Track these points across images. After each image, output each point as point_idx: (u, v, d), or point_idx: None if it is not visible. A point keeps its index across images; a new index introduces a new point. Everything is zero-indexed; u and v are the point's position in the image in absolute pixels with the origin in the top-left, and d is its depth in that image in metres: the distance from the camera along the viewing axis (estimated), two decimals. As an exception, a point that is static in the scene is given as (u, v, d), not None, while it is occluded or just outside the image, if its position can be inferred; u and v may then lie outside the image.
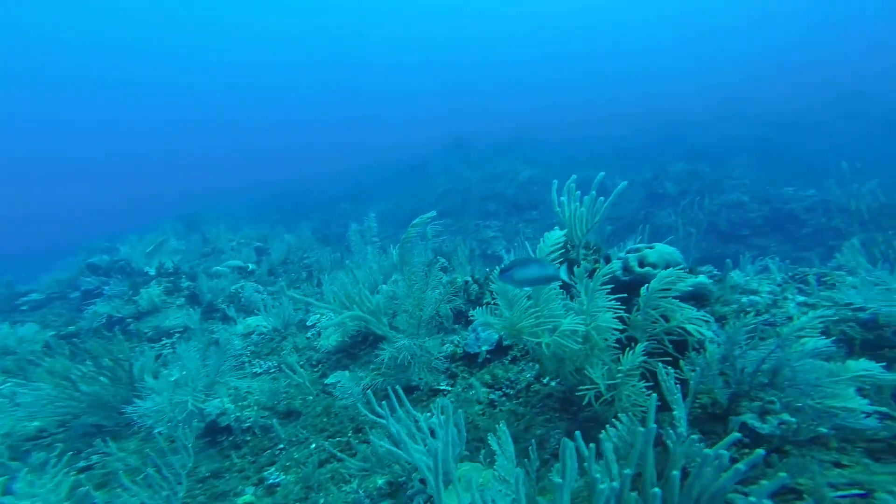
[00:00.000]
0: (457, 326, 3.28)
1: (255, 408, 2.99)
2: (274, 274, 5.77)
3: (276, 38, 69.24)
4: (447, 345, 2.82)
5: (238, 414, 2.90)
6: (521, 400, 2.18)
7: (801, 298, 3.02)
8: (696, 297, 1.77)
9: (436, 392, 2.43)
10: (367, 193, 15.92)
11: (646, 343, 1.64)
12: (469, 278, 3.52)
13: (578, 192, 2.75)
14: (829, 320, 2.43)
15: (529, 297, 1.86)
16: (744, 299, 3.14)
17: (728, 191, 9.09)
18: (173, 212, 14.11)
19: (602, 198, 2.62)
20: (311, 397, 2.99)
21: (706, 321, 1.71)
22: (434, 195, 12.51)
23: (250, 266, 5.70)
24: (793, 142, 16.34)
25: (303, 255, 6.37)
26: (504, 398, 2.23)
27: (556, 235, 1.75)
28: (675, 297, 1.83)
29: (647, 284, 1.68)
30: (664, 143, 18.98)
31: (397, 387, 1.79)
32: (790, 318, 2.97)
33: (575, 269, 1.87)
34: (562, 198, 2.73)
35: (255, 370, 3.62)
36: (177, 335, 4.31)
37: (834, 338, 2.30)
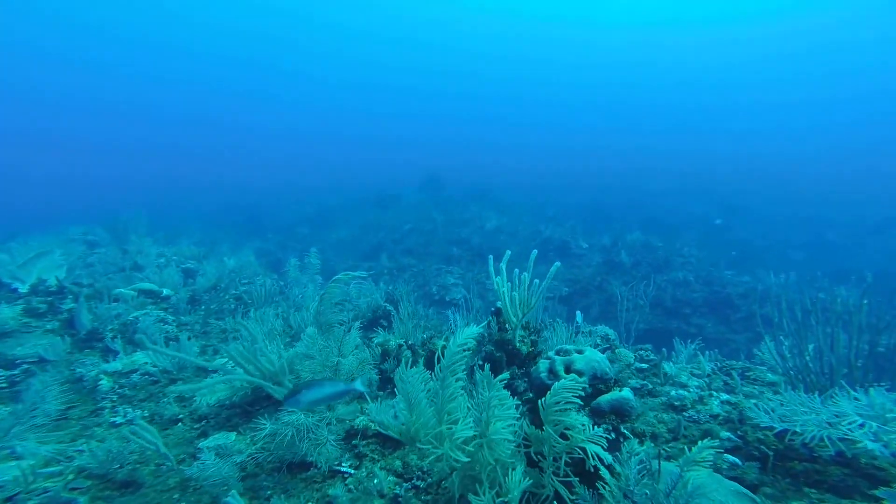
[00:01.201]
0: (381, 394, 3.06)
1: (73, 476, 2.29)
2: (197, 302, 5.23)
3: (283, 42, 69.88)
4: (362, 416, 2.59)
5: (35, 486, 2.12)
6: (429, 497, 1.99)
7: (725, 396, 3.10)
8: (617, 412, 1.73)
9: (335, 474, 2.17)
10: (331, 218, 15.58)
11: (551, 462, 1.54)
12: (403, 342, 3.35)
13: (517, 271, 2.74)
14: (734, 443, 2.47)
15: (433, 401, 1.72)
16: (672, 392, 3.19)
17: (676, 268, 9.66)
18: (108, 210, 13.04)
19: (537, 280, 2.61)
20: (168, 464, 2.38)
21: (612, 439, 1.64)
22: (400, 231, 12.44)
23: (165, 291, 5.10)
24: (736, 223, 18.02)
25: (240, 281, 5.89)
26: (412, 492, 2.02)
27: (469, 332, 1.67)
28: (595, 409, 1.78)
29: (542, 398, 1.60)
30: (628, 206, 20.35)
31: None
32: (713, 417, 3.02)
33: (478, 372, 1.77)
34: (497, 278, 2.69)
35: (114, 419, 2.97)
36: (25, 366, 3.52)
37: (749, 449, 2.34)
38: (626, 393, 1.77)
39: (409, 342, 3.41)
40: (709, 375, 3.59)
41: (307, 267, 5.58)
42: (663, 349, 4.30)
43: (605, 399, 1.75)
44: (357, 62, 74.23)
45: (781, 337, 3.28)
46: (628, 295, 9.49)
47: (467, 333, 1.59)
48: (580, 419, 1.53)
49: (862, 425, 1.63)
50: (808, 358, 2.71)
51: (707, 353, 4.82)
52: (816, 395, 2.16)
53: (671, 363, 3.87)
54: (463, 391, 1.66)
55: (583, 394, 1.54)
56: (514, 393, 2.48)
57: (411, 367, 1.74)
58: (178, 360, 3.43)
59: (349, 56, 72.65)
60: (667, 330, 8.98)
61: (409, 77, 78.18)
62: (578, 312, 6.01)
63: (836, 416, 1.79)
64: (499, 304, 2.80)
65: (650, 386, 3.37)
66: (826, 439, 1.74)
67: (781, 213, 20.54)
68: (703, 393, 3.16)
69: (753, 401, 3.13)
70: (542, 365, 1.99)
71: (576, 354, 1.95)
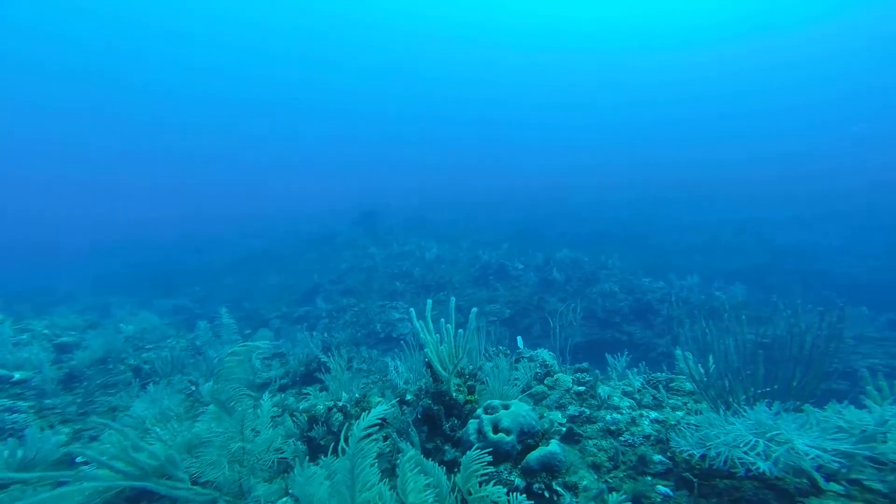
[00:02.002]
0: (310, 465, 2.73)
1: None
2: (76, 379, 4.34)
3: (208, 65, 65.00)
4: (286, 497, 2.27)
5: None
6: None
7: (654, 414, 3.27)
8: (548, 469, 1.69)
9: None
10: (260, 264, 14.51)
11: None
12: (333, 403, 3.07)
13: (443, 321, 2.66)
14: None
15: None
16: (608, 417, 3.30)
17: (602, 280, 10.39)
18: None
19: (461, 330, 2.55)
20: None
21: (547, 497, 1.58)
22: (336, 271, 11.94)
23: (18, 374, 4.14)
24: (649, 232, 20.14)
25: (143, 348, 5.08)
26: None
27: (376, 412, 1.53)
28: (526, 469, 1.71)
29: (457, 470, 1.51)
30: (557, 221, 21.80)
31: None
32: (646, 437, 3.16)
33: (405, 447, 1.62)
34: (423, 333, 2.60)
35: None
36: None
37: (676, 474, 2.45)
38: (554, 447, 1.74)
39: (340, 403, 3.13)
40: (639, 391, 3.79)
41: (226, 327, 5.00)
42: (596, 371, 4.47)
43: (534, 457, 1.70)
44: (271, 78, 71.25)
45: (688, 353, 3.57)
46: (564, 310, 10.01)
47: (374, 413, 1.45)
48: (498, 491, 1.45)
49: (754, 446, 1.77)
50: (710, 369, 2.95)
51: (638, 365, 5.15)
52: (722, 411, 2.33)
53: (605, 384, 4.03)
54: (383, 472, 1.50)
55: (491, 459, 1.46)
56: (442, 462, 2.33)
57: (346, 430, 1.53)
58: (35, 452, 2.74)
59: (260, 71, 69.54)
60: (602, 340, 9.53)
61: (336, 96, 77.21)
62: (519, 338, 6.12)
63: (735, 437, 1.93)
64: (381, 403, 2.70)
65: (588, 412, 3.44)
66: (735, 460, 1.86)
67: (689, 218, 23.40)
68: (634, 413, 3.30)
69: (679, 413, 3.35)
70: (471, 426, 1.90)
71: (503, 411, 1.90)
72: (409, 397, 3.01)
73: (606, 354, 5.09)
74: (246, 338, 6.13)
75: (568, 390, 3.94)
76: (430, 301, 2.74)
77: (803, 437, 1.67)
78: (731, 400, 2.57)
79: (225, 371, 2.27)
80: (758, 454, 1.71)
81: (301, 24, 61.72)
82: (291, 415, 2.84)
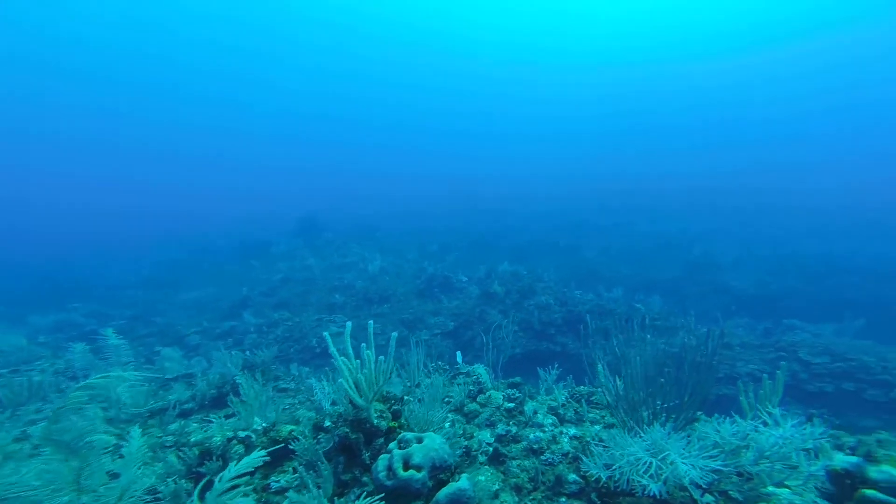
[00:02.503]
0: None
1: None
2: None
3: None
4: None
5: None
6: None
7: (573, 431, 3.46)
8: (455, 508, 1.68)
9: None
10: (180, 275, 13.14)
11: None
12: (233, 433, 2.81)
13: (364, 345, 2.58)
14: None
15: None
16: (531, 436, 3.42)
17: (539, 293, 10.89)
18: None
19: (382, 357, 2.50)
20: None
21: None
22: (268, 284, 11.21)
23: None
24: (581, 244, 21.60)
25: None
26: None
27: (248, 462, 1.41)
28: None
29: None
30: (501, 235, 22.55)
31: None
32: (565, 455, 3.32)
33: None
34: (341, 359, 2.50)
35: None
36: None
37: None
38: (463, 483, 1.74)
39: (243, 434, 2.87)
40: (563, 405, 3.99)
41: (114, 348, 4.42)
42: (527, 387, 4.62)
43: (443, 495, 1.69)
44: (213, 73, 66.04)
45: (603, 368, 3.80)
46: (503, 323, 10.35)
47: (244, 464, 1.33)
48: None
49: (649, 467, 1.94)
50: (620, 387, 3.18)
51: (567, 378, 5.44)
52: (627, 429, 2.52)
53: (534, 399, 4.18)
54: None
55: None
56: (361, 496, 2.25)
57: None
58: None
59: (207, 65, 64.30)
60: (538, 352, 9.94)
61: (276, 95, 73.20)
62: (458, 353, 6.18)
63: (634, 457, 2.09)
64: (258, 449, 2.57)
65: (514, 430, 3.54)
66: (632, 481, 2.01)
67: (618, 230, 25.37)
68: (556, 431, 3.45)
69: (596, 428, 3.57)
70: (381, 462, 1.84)
71: (415, 445, 1.86)
72: (327, 423, 2.85)
73: (538, 368, 5.31)
74: (150, 357, 5.46)
75: (499, 407, 4.03)
76: (349, 323, 2.63)
77: (685, 457, 1.85)
78: (638, 415, 2.78)
79: (65, 409, 1.89)
80: (651, 476, 1.86)
81: (241, 16, 58.17)
82: (179, 448, 2.54)
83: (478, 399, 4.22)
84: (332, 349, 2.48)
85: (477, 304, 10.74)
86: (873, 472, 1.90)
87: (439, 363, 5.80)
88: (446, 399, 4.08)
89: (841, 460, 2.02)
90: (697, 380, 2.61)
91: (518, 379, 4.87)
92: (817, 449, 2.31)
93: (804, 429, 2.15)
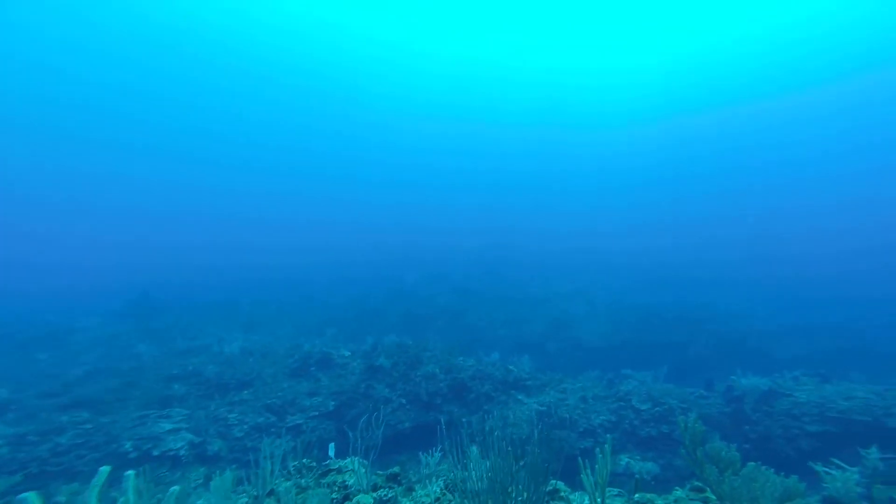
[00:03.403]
0: None
1: None
2: None
3: None
4: None
5: None
6: None
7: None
8: None
9: None
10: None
11: None
12: None
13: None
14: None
15: None
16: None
17: (425, 362, 10.96)
18: None
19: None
20: None
21: None
22: (61, 380, 8.67)
23: None
24: (467, 307, 22.94)
25: None
26: None
27: None
28: None
29: None
30: (389, 301, 22.35)
31: None
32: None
33: None
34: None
35: None
36: None
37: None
38: None
39: None
40: (438, 500, 3.92)
41: None
42: (409, 473, 4.45)
43: None
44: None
45: (476, 448, 3.93)
46: (391, 396, 9.96)
47: None
48: None
49: None
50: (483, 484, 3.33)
51: (449, 457, 5.39)
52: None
53: (409, 495, 4.02)
54: None
55: None
56: None
57: None
58: None
59: None
60: (426, 424, 9.74)
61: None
62: (331, 445, 5.65)
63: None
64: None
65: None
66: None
67: (499, 293, 27.69)
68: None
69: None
70: None
71: None
72: None
73: (419, 452, 5.18)
74: None
75: (369, 513, 3.73)
76: (105, 468, 2.23)
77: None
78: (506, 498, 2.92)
79: None
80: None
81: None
82: None
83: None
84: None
85: (362, 379, 10.19)
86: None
87: (304, 461, 5.15)
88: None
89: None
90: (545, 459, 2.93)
91: (396, 469, 4.65)
92: None
93: None
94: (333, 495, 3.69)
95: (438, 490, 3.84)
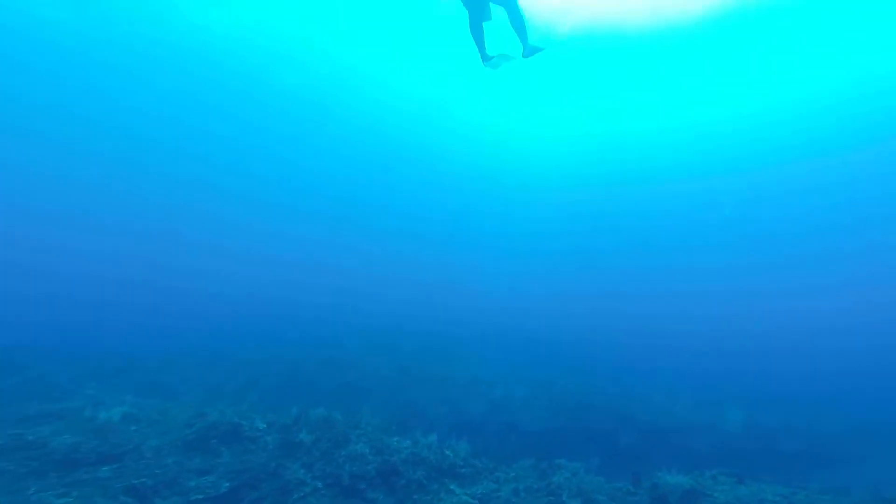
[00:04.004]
0: None
1: None
2: None
3: None
4: None
5: None
6: None
7: None
8: None
9: None
10: None
11: None
12: None
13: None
14: None
15: None
16: None
17: (353, 441, 10.01)
18: None
19: None
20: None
21: None
22: None
23: None
24: (409, 382, 21.73)
25: None
26: None
27: None
28: None
29: None
30: (324, 369, 20.64)
31: None
32: None
33: None
34: None
35: None
36: None
37: None
38: None
39: None
40: None
41: None
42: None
43: None
44: None
45: None
46: (308, 476, 8.76)
47: None
48: None
49: None
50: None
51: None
52: None
53: None
54: None
55: None
56: None
57: None
58: None
59: None
60: (343, 515, 8.59)
61: None
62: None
63: None
64: None
65: None
66: None
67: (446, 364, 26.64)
68: None
69: None
70: None
71: None
72: None
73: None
74: None
75: None
76: None
77: None
78: None
79: None
80: None
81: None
82: None
83: None
84: None
85: (273, 456, 8.97)
86: None
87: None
88: None
89: None
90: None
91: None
92: None
93: None
94: None
95: None
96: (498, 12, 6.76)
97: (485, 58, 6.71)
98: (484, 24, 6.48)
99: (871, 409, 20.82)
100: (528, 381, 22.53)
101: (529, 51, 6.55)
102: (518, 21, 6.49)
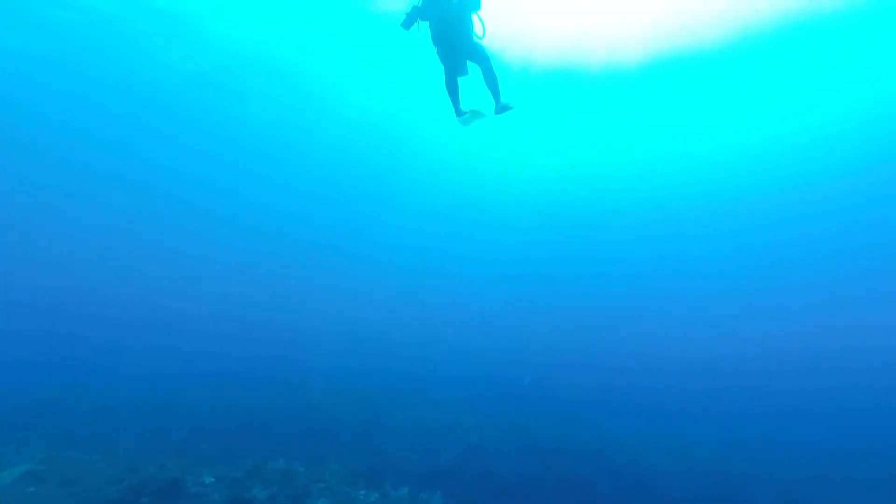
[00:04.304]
0: None
1: None
2: None
3: None
4: None
5: None
6: None
7: None
8: None
9: None
10: None
11: None
12: None
13: None
14: None
15: None
16: None
17: (315, 496, 8.96)
18: None
19: None
20: None
21: None
22: None
23: None
24: (379, 428, 20.20)
25: None
26: None
27: None
28: None
29: None
30: (284, 414, 18.85)
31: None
32: None
33: None
34: None
35: None
36: None
37: None
38: None
39: None
40: None
41: None
42: None
43: None
44: None
45: None
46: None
47: None
48: None
49: None
50: None
51: None
52: None
53: None
54: None
55: None
56: None
57: None
58: None
59: None
60: None
61: None
62: None
63: None
64: None
65: None
66: None
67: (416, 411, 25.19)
68: None
69: None
70: None
71: None
72: None
73: None
74: None
75: None
76: None
77: None
78: None
79: None
80: None
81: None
82: None
83: None
84: None
85: (222, 519, 7.79)
86: None
87: None
88: None
89: None
90: None
91: None
92: None
93: None
94: None
95: None
96: (473, 68, 7.08)
97: (458, 112, 6.94)
98: (459, 79, 6.72)
99: (842, 454, 21.32)
100: (503, 426, 21.64)
101: (501, 108, 6.70)
102: (491, 79, 6.64)
